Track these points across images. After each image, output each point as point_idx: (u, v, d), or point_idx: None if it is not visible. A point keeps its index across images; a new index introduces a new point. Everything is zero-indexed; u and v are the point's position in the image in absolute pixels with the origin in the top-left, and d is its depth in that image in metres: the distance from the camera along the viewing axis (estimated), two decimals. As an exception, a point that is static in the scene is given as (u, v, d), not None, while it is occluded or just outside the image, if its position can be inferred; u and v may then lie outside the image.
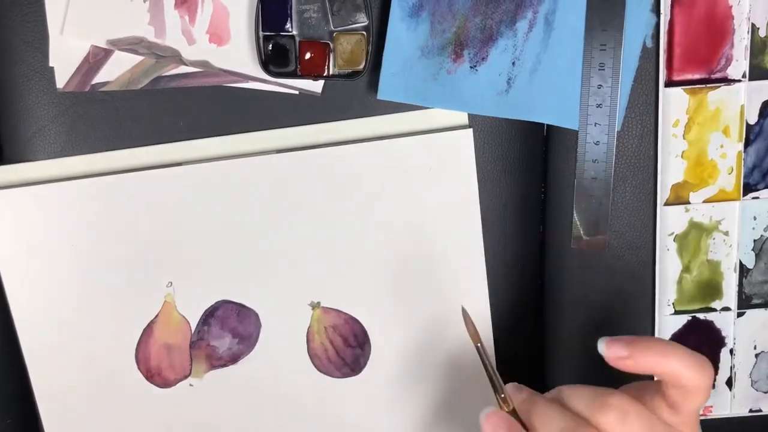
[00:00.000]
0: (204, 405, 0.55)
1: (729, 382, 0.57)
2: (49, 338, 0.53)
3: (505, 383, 0.44)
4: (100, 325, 0.54)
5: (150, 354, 0.54)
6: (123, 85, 0.51)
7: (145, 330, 0.54)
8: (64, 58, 0.51)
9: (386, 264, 0.54)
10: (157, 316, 0.54)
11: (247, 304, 0.54)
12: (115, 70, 0.51)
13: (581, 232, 0.54)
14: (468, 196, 0.53)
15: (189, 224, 0.53)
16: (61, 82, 0.51)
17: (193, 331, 0.54)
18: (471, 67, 0.51)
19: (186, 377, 0.55)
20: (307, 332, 0.54)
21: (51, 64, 0.51)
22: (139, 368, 0.54)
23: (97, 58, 0.51)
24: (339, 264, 0.54)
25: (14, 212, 0.52)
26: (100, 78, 0.51)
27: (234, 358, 0.55)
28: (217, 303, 0.54)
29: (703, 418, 0.57)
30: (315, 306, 0.54)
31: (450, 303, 0.54)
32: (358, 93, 0.52)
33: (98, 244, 0.53)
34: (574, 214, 0.54)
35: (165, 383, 0.55)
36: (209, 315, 0.54)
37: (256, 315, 0.54)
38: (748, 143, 0.54)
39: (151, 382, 0.55)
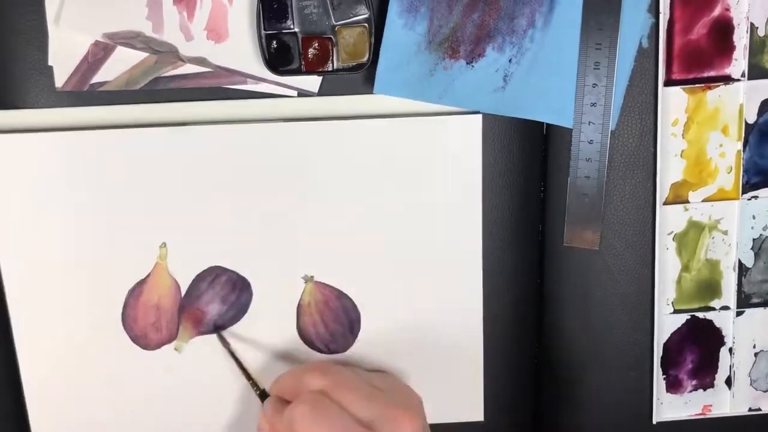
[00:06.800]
0: (187, 370, 0.55)
1: (728, 381, 0.57)
2: (35, 288, 0.53)
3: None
4: (87, 282, 0.53)
5: (137, 315, 0.54)
6: (122, 86, 0.51)
7: (133, 290, 0.54)
8: (63, 57, 0.51)
9: (383, 244, 0.54)
10: (147, 276, 0.53)
11: (241, 272, 0.54)
12: (114, 70, 0.51)
13: (573, 229, 0.54)
14: (471, 183, 0.53)
15: (188, 187, 0.52)
16: (59, 81, 0.51)
17: (182, 295, 0.54)
18: (467, 63, 0.51)
19: (171, 341, 0.55)
20: (298, 305, 0.54)
21: (50, 63, 0.51)
22: (124, 328, 0.54)
23: (96, 58, 0.51)
24: (335, 240, 0.53)
25: (9, 158, 0.51)
26: (98, 78, 0.51)
27: (222, 326, 0.54)
28: (209, 268, 0.54)
29: (702, 417, 0.57)
30: (308, 279, 0.54)
31: (443, 288, 0.54)
32: (358, 87, 0.52)
33: (93, 199, 0.52)
34: (566, 212, 0.54)
35: (149, 345, 0.54)
36: (200, 279, 0.54)
37: (249, 284, 0.54)
38: (747, 142, 0.54)
39: (136, 343, 0.54)
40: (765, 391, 0.57)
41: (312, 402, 0.46)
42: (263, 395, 0.52)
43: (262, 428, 0.51)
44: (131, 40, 0.50)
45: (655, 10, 0.52)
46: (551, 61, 0.51)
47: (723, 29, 0.52)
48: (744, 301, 0.56)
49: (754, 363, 0.57)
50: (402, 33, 0.51)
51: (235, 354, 0.54)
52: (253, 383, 0.53)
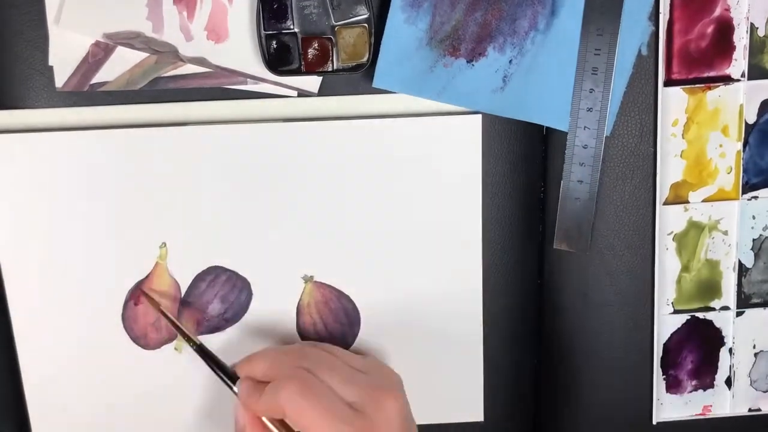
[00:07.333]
0: (186, 370, 0.55)
1: (728, 382, 0.57)
2: (35, 288, 0.53)
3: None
4: (88, 281, 0.53)
5: (137, 314, 0.54)
6: (122, 86, 0.52)
7: (133, 290, 0.54)
8: (63, 58, 0.51)
9: (383, 244, 0.54)
10: (147, 276, 0.53)
11: (240, 272, 0.54)
12: (115, 70, 0.51)
13: (563, 233, 0.54)
14: (471, 183, 0.53)
15: (188, 187, 0.52)
16: (60, 81, 0.51)
17: (182, 295, 0.54)
18: (468, 62, 0.51)
19: (171, 341, 0.55)
20: (298, 305, 0.54)
21: (50, 64, 0.51)
22: (124, 327, 0.54)
23: (96, 58, 0.51)
24: (335, 240, 0.53)
25: (9, 158, 0.51)
26: (99, 78, 0.51)
27: (221, 325, 0.55)
28: (209, 268, 0.54)
29: (702, 417, 0.57)
30: (308, 279, 0.54)
31: (443, 287, 0.54)
32: (358, 88, 0.52)
33: (93, 199, 0.52)
34: (558, 215, 0.54)
35: (149, 345, 0.54)
36: (200, 279, 0.54)
37: (248, 284, 0.54)
38: (746, 143, 0.54)
39: (136, 343, 0.54)
40: (765, 392, 0.57)
41: (301, 379, 0.45)
42: (233, 378, 0.50)
43: (238, 415, 0.48)
44: (131, 40, 0.50)
45: (655, 15, 0.51)
46: (550, 65, 0.51)
47: (723, 29, 0.52)
48: (744, 302, 0.56)
49: (754, 363, 0.57)
50: (404, 28, 0.51)
51: (194, 339, 0.51)
52: (220, 367, 0.50)
